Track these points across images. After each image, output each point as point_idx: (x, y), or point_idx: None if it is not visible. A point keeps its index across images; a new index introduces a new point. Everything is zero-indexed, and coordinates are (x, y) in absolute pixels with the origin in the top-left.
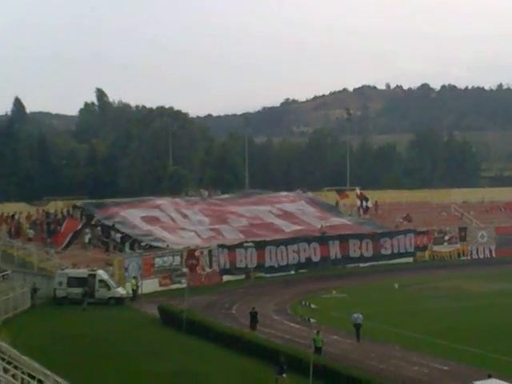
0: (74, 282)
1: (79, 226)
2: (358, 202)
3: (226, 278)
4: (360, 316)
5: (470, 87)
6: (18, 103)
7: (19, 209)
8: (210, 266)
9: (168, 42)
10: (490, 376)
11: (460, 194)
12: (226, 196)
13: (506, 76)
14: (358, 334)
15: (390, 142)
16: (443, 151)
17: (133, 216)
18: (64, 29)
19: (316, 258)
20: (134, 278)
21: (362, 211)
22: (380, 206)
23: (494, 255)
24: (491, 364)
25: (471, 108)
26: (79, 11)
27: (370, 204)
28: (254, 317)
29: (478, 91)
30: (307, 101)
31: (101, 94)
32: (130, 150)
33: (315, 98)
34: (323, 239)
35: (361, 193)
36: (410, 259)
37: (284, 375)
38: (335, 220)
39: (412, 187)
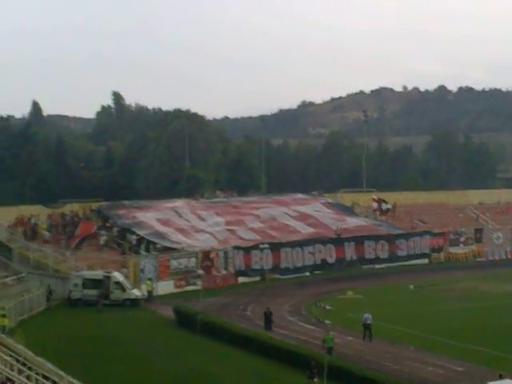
0: (89, 283)
1: (94, 228)
2: (375, 205)
3: (241, 279)
4: (370, 316)
5: (486, 89)
6: (35, 106)
7: (35, 211)
8: (226, 268)
9: (185, 45)
10: (501, 376)
11: (476, 195)
12: (242, 198)
13: None
14: (369, 333)
15: (407, 143)
16: (460, 153)
17: (149, 218)
18: (81, 32)
19: (331, 260)
20: (150, 279)
21: (378, 213)
22: (396, 208)
23: (509, 256)
24: (506, 365)
25: (488, 109)
26: (96, 14)
27: (389, 206)
28: (268, 317)
29: (495, 93)
30: (324, 103)
31: (117, 97)
32: (146, 153)
33: (332, 99)
34: (339, 241)
35: (378, 198)
36: (426, 260)
37: (315, 379)
38: (351, 221)
39: (428, 189)
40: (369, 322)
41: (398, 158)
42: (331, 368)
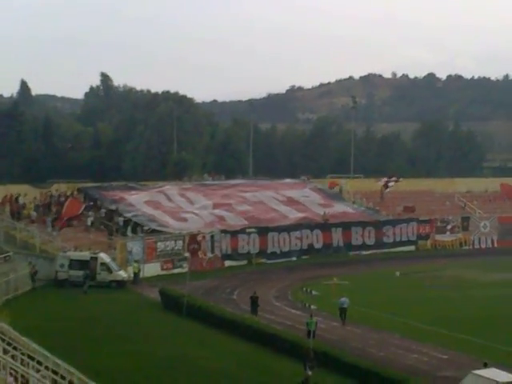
0: (75, 264)
1: (81, 208)
2: (385, 190)
3: (227, 263)
4: (347, 300)
5: (475, 77)
6: (23, 85)
7: (23, 190)
8: (212, 251)
9: (174, 27)
10: (485, 365)
11: (464, 183)
12: (230, 181)
13: None
14: (343, 317)
15: (395, 130)
16: (448, 141)
17: (136, 200)
18: (70, 12)
19: (318, 245)
20: (136, 261)
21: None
22: (384, 195)
23: (495, 245)
24: (491, 353)
25: (477, 98)
26: None
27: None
28: (254, 302)
29: (484, 81)
30: (313, 88)
31: (105, 78)
32: (134, 134)
33: (321, 85)
34: (326, 226)
35: (386, 180)
36: (412, 248)
37: (310, 373)
38: (339, 207)
39: (416, 176)
40: (345, 306)
41: (386, 144)
42: (316, 353)
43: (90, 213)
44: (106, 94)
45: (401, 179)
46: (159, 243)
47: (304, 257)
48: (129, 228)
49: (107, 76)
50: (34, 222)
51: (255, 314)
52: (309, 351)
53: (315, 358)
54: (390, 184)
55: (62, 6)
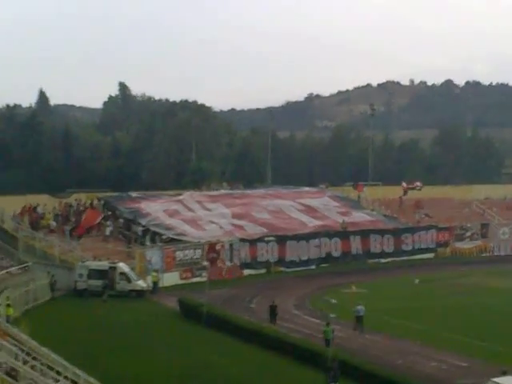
0: (94, 274)
1: (100, 218)
2: (403, 194)
3: (246, 271)
4: (363, 308)
5: (493, 83)
6: (42, 96)
7: (42, 201)
8: (231, 260)
9: (192, 35)
10: (504, 373)
11: (482, 190)
12: (249, 190)
13: None
14: (360, 325)
15: (413, 137)
16: (466, 147)
17: (155, 209)
18: (89, 21)
19: (337, 253)
20: (155, 270)
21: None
22: (402, 202)
23: None
24: (510, 361)
25: (495, 104)
26: (103, 4)
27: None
28: (273, 310)
29: (502, 87)
30: (331, 95)
31: (123, 87)
32: (153, 143)
33: (339, 92)
34: (344, 234)
35: (407, 186)
36: (431, 255)
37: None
38: (357, 215)
39: (435, 183)
40: (361, 314)
41: (405, 151)
42: (339, 364)
43: (109, 222)
44: (124, 104)
45: (420, 185)
46: (178, 252)
47: (323, 265)
48: (147, 237)
49: (125, 85)
50: (53, 231)
51: (274, 322)
52: (332, 362)
53: (339, 369)
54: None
55: (79, 16)
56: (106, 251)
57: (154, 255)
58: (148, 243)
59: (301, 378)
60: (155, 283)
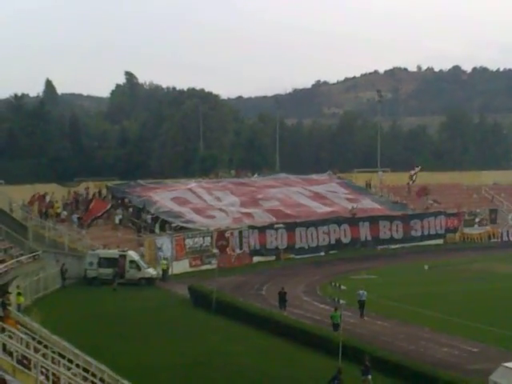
0: (104, 262)
1: (107, 207)
2: (411, 181)
3: (256, 259)
4: (365, 293)
5: (501, 69)
6: (48, 85)
7: (50, 189)
8: (241, 247)
9: (199, 24)
10: None
11: (491, 176)
12: (257, 177)
13: None
14: (361, 310)
15: (421, 124)
16: (474, 133)
17: (163, 197)
18: (94, 11)
19: (346, 240)
20: (165, 258)
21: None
22: (411, 188)
23: None
24: None
25: (502, 90)
26: None
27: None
28: (282, 297)
29: (510, 73)
30: (338, 82)
31: (130, 76)
32: (160, 132)
33: (346, 79)
34: (353, 221)
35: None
36: (441, 241)
37: (369, 376)
38: (366, 202)
39: (443, 169)
40: (364, 298)
41: (412, 138)
42: (345, 348)
43: (118, 211)
44: (131, 92)
45: (419, 168)
46: (188, 240)
47: (332, 252)
48: (157, 225)
49: (132, 74)
50: (63, 220)
51: (284, 308)
52: (364, 356)
53: (370, 361)
54: (414, 177)
55: (86, 5)
56: (115, 239)
57: (164, 243)
58: (157, 231)
59: (311, 364)
60: (165, 271)
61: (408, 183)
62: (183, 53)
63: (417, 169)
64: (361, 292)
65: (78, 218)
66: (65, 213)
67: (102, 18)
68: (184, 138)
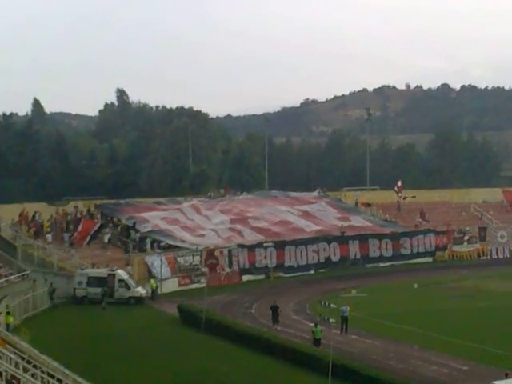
0: (93, 281)
1: (97, 226)
2: (400, 195)
3: (245, 277)
4: (348, 309)
5: (489, 87)
6: (36, 104)
7: (39, 209)
8: (230, 266)
9: (187, 42)
10: (507, 375)
11: (480, 193)
12: (246, 196)
13: None
14: (344, 326)
15: (410, 141)
16: (463, 151)
17: (152, 216)
18: (83, 28)
19: (336, 258)
20: (153, 277)
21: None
22: (401, 206)
23: None
24: (511, 364)
25: (491, 108)
26: (99, 10)
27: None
28: (275, 311)
29: (498, 91)
30: (327, 101)
31: (121, 94)
32: (150, 150)
33: (335, 97)
34: (343, 239)
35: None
36: (430, 259)
37: None
38: (355, 220)
39: (431, 187)
40: (346, 314)
41: (401, 156)
42: (335, 366)
43: (107, 230)
44: (120, 111)
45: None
46: (178, 258)
47: (321, 270)
48: (147, 243)
49: (123, 92)
50: (50, 243)
51: (277, 322)
52: None
53: None
54: (400, 193)
55: (73, 24)
56: (104, 258)
57: (154, 261)
58: (148, 249)
59: (301, 383)
60: (154, 290)
61: (398, 201)
62: (171, 71)
63: (399, 184)
64: (343, 308)
65: (69, 237)
66: (50, 236)
67: (90, 37)
68: (173, 156)
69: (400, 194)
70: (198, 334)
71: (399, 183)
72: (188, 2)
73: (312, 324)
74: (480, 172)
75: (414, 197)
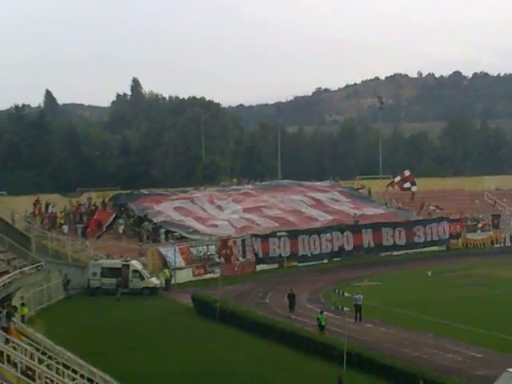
0: (107, 272)
1: (112, 217)
2: (408, 185)
3: (259, 267)
4: (361, 297)
5: (502, 74)
6: (48, 95)
7: (53, 200)
8: (244, 256)
9: (200, 33)
10: None
11: (493, 181)
12: (259, 185)
13: None
14: (358, 314)
15: (422, 130)
16: (476, 139)
17: (166, 207)
18: (96, 20)
19: (349, 247)
20: (167, 267)
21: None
22: (413, 194)
23: None
24: None
25: (503, 95)
26: (111, 2)
27: (414, 189)
28: (291, 299)
29: (511, 78)
30: (339, 89)
31: (136, 84)
32: (162, 141)
33: (347, 86)
34: (356, 228)
35: (410, 174)
36: (443, 247)
37: None
38: (368, 209)
39: (444, 175)
40: (359, 302)
41: (414, 144)
42: (350, 355)
43: (121, 220)
44: (134, 101)
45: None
46: (192, 249)
47: (335, 259)
48: (162, 235)
49: (138, 82)
50: (66, 234)
51: (292, 311)
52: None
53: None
54: (406, 185)
55: (85, 15)
56: (118, 249)
57: (168, 252)
58: (162, 239)
59: (315, 372)
60: (168, 280)
61: (410, 188)
62: (184, 62)
63: (406, 173)
64: (357, 296)
65: (83, 228)
66: (66, 227)
67: (102, 28)
68: (185, 146)
69: (406, 185)
70: (212, 324)
71: (406, 172)
72: None
73: (328, 314)
74: (493, 159)
75: (409, 188)
